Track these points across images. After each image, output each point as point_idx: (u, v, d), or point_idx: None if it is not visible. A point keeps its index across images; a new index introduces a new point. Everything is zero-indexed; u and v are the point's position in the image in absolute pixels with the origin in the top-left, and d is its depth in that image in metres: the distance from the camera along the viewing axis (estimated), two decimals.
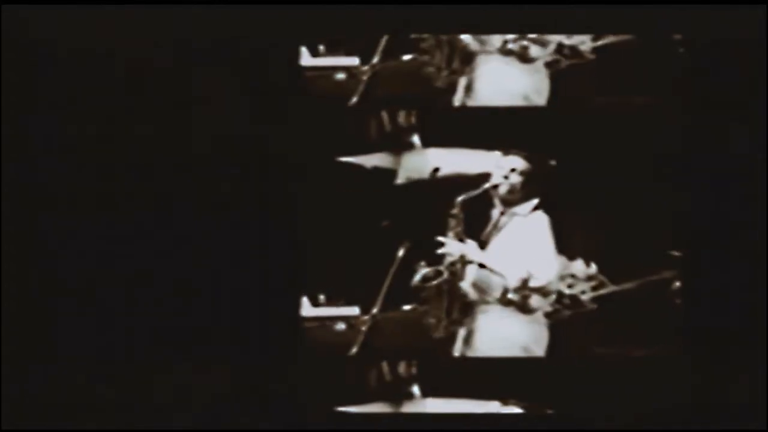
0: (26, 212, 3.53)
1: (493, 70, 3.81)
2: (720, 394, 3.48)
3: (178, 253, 3.53)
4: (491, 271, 3.75)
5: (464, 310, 3.75)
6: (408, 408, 3.68)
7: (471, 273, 3.77)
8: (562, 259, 3.71)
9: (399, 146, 3.84)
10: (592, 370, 3.50)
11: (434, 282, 3.73)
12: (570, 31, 3.62)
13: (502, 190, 3.76)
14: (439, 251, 3.74)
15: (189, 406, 3.52)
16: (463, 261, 3.76)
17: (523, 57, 3.79)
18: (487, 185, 3.75)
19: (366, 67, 3.81)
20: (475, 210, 3.77)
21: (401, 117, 3.84)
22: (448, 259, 3.76)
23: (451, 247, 3.75)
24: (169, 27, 3.53)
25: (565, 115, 3.67)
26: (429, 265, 3.74)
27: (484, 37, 3.78)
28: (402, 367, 3.72)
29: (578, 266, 3.69)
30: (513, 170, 3.74)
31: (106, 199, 3.54)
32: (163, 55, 3.54)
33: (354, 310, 3.73)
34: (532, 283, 3.70)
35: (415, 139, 3.84)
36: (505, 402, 3.59)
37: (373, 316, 3.72)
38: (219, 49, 3.54)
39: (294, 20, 3.59)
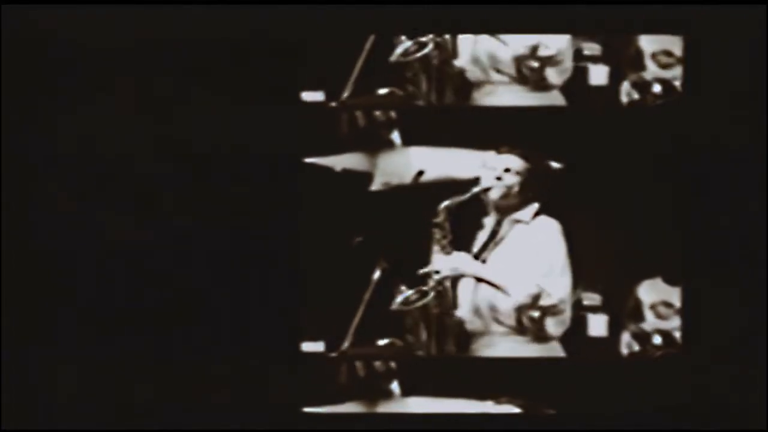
0: (26, 212, 3.53)
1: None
2: (720, 394, 3.48)
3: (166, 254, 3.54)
4: (496, 288, 3.28)
5: (461, 343, 3.31)
6: (386, 408, 3.41)
7: (467, 293, 3.32)
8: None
9: (375, 144, 3.30)
10: (590, 370, 3.49)
11: (418, 304, 3.26)
12: (565, 31, 3.50)
13: (495, 194, 3.28)
14: (426, 269, 3.22)
15: (187, 407, 3.52)
16: (454, 278, 3.29)
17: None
18: (476, 189, 3.25)
19: (334, 104, 3.30)
20: (466, 218, 3.30)
21: (378, 111, 3.30)
22: (435, 277, 3.28)
23: (438, 262, 3.27)
24: (169, 26, 3.52)
25: (566, 114, 3.43)
26: (411, 288, 3.28)
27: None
28: (380, 363, 3.33)
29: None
30: (507, 170, 3.27)
31: (104, 202, 3.54)
32: (163, 54, 3.53)
33: (318, 346, 3.32)
34: (544, 301, 3.29)
35: (395, 136, 3.31)
36: (499, 401, 3.44)
37: (342, 353, 3.29)
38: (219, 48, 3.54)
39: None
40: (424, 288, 3.26)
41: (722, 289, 3.48)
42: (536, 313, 3.29)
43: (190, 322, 3.52)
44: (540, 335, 3.32)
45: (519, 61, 3.37)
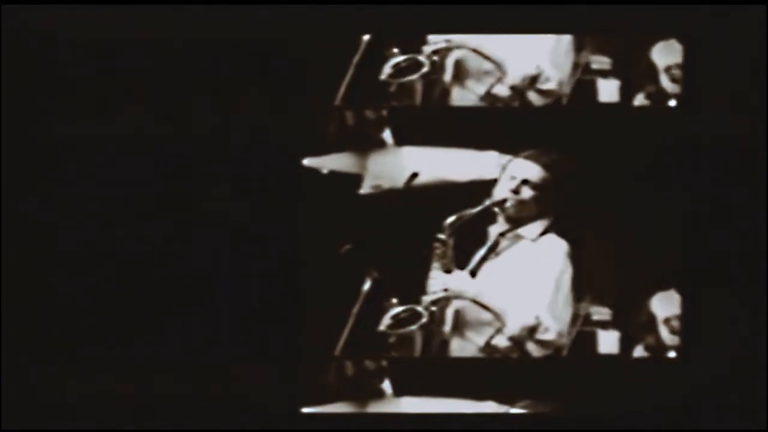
0: (27, 211, 3.53)
1: None
2: (720, 394, 3.48)
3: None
4: (483, 307, 3.05)
5: (442, 349, 3.09)
6: (377, 407, 3.31)
7: (456, 307, 3.08)
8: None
9: (365, 144, 3.04)
10: (590, 370, 3.49)
11: (411, 327, 3.03)
12: (560, 31, 3.44)
13: (509, 207, 3.02)
14: (435, 294, 2.97)
15: (187, 407, 3.53)
16: (449, 298, 3.04)
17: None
18: (488, 202, 2.98)
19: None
20: (468, 230, 3.02)
21: (368, 109, 3.03)
22: (430, 297, 3.04)
23: (436, 281, 3.03)
24: (169, 26, 3.52)
25: (564, 117, 3.28)
26: (403, 302, 3.05)
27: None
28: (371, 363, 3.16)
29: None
30: (525, 182, 3.00)
31: (104, 202, 3.54)
32: (164, 53, 3.54)
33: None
34: (541, 335, 3.09)
35: (387, 135, 3.03)
36: (497, 401, 3.39)
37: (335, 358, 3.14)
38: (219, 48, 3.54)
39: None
40: (418, 308, 3.04)
41: (722, 290, 3.49)
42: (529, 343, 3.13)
43: (190, 322, 3.52)
44: (522, 357, 3.18)
45: (514, 89, 3.19)
